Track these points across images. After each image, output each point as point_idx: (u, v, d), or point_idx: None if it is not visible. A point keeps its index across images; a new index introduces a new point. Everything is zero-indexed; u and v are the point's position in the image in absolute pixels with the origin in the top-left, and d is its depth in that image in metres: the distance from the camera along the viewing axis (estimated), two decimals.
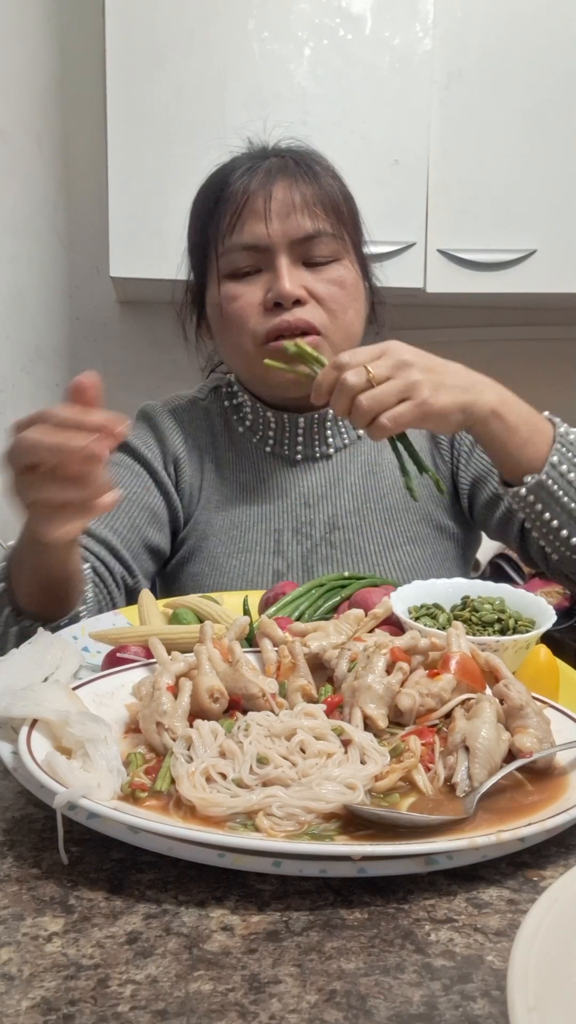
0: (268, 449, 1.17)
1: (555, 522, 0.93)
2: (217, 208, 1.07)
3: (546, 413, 0.97)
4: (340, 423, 1.16)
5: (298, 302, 1.04)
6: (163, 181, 1.79)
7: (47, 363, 2.20)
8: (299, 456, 1.16)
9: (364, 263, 1.14)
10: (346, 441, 1.17)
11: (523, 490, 0.93)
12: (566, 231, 1.87)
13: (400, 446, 0.95)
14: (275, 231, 1.04)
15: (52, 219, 2.14)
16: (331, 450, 1.16)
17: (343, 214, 1.08)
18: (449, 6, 1.80)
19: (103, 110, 1.80)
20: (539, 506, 0.93)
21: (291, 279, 1.03)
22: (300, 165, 1.07)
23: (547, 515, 0.93)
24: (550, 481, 0.92)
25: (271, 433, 1.16)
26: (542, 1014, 0.34)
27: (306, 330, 1.03)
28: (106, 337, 2.22)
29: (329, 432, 1.16)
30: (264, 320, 1.04)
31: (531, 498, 0.93)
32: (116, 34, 1.75)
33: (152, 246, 1.79)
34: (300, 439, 1.15)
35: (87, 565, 1.03)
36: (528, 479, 0.92)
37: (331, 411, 1.14)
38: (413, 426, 0.90)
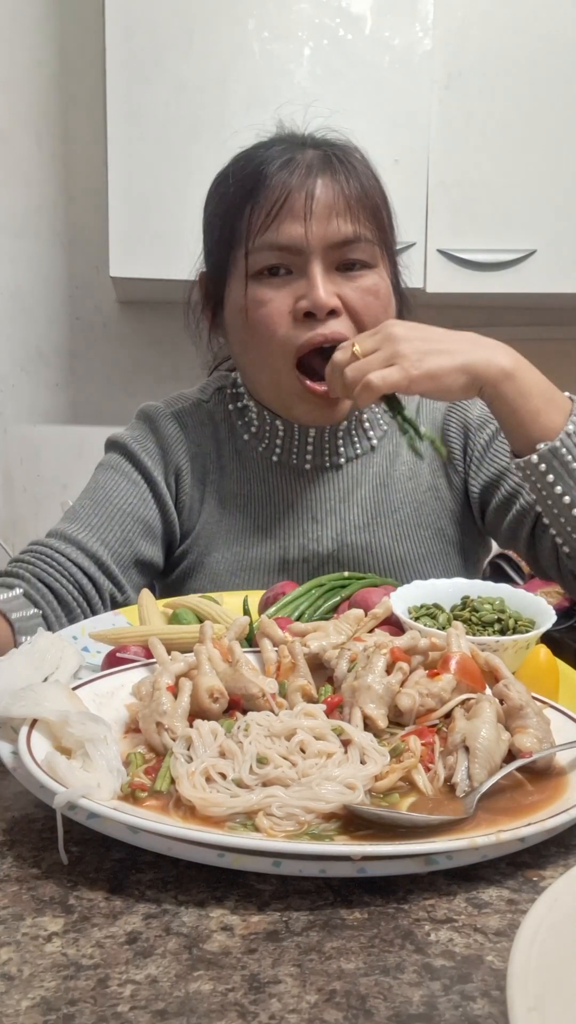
0: (275, 458, 1.11)
1: (567, 498, 0.89)
2: (250, 201, 0.99)
3: (567, 393, 0.93)
4: (352, 432, 1.11)
5: (331, 312, 0.97)
6: (163, 181, 1.79)
7: (47, 363, 2.20)
8: (308, 466, 1.10)
9: (396, 270, 1.08)
10: (358, 451, 1.11)
11: (535, 457, 0.89)
12: (566, 231, 1.87)
13: (395, 412, 0.95)
14: (314, 234, 0.97)
15: (52, 219, 2.15)
16: (342, 460, 1.10)
17: (383, 218, 1.03)
18: (449, 6, 1.80)
19: (103, 110, 1.80)
20: (550, 476, 0.89)
21: (326, 288, 0.97)
22: (343, 163, 1.00)
23: (559, 488, 0.89)
24: (564, 450, 0.88)
25: (278, 441, 1.10)
26: (542, 1014, 0.34)
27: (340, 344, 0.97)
28: (106, 337, 2.22)
29: (340, 441, 1.10)
30: (295, 331, 0.98)
31: (543, 467, 0.89)
32: (116, 34, 1.75)
33: (152, 246, 1.79)
34: (310, 447, 1.09)
35: (67, 581, 1.00)
36: (541, 446, 0.89)
37: (344, 423, 1.09)
38: (402, 389, 0.87)
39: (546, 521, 0.95)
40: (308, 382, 1.00)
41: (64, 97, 2.11)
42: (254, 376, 1.07)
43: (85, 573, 1.02)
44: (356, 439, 1.11)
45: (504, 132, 1.85)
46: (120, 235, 1.81)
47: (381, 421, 1.13)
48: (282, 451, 1.11)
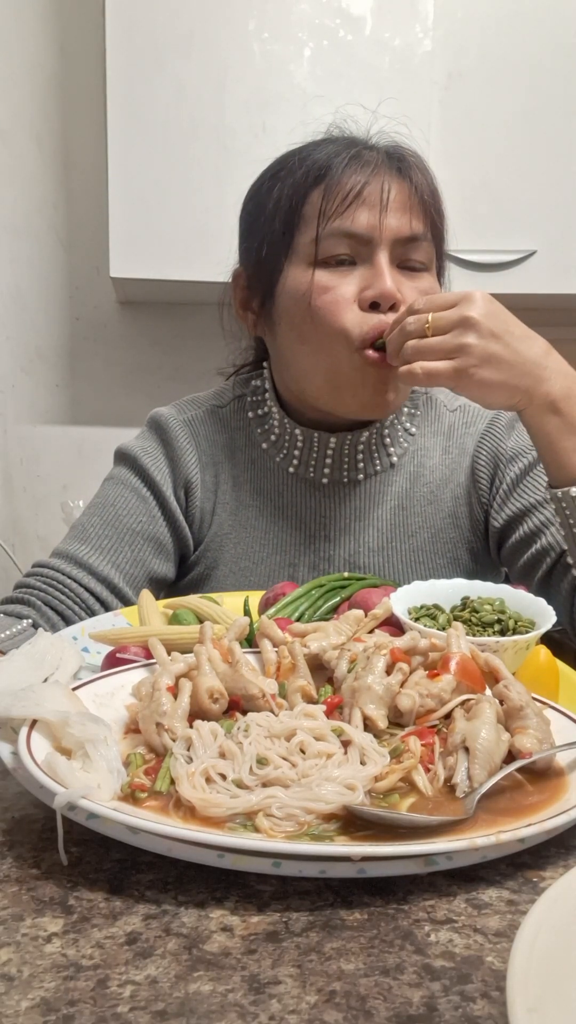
0: (291, 470, 1.08)
1: None
2: (319, 186, 0.97)
3: None
4: (373, 446, 1.07)
5: (393, 306, 0.96)
6: (163, 181, 1.79)
7: (47, 363, 2.20)
8: (325, 480, 1.07)
9: (441, 279, 1.07)
10: (377, 468, 1.08)
11: (573, 490, 0.86)
12: (566, 231, 1.87)
13: None
14: (387, 225, 0.96)
15: (52, 219, 2.15)
16: (360, 476, 1.07)
17: (443, 225, 1.04)
18: (449, 7, 1.80)
19: (103, 110, 1.81)
20: None
21: (393, 279, 0.96)
22: (417, 168, 1.01)
23: None
24: None
25: (297, 452, 1.07)
26: (542, 1015, 0.34)
27: None
28: (106, 337, 2.22)
29: (361, 456, 1.07)
30: (362, 319, 0.96)
31: None
32: (116, 34, 1.75)
33: (152, 246, 1.79)
34: (328, 460, 1.06)
35: (76, 602, 0.99)
36: None
37: (365, 434, 1.06)
38: (449, 388, 0.86)
39: (570, 560, 0.92)
40: (372, 351, 0.96)
41: (64, 97, 2.11)
42: (308, 366, 1.02)
43: (97, 598, 1.01)
44: (376, 454, 1.08)
45: (504, 132, 1.85)
46: (120, 235, 1.81)
47: (402, 439, 1.10)
48: (300, 462, 1.08)
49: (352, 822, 0.53)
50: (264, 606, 0.89)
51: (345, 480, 1.08)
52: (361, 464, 1.07)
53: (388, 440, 1.09)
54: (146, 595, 0.89)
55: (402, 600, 0.82)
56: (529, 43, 1.82)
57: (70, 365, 2.23)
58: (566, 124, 1.85)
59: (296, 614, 0.86)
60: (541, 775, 0.59)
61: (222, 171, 1.76)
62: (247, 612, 0.88)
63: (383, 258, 0.96)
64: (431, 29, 1.80)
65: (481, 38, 1.82)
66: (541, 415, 0.87)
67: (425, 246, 1.00)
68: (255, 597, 0.92)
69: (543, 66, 1.83)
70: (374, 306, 0.96)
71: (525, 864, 0.53)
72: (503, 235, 1.86)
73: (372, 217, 0.96)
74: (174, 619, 0.85)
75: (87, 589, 1.01)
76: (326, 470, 1.07)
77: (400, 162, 1.00)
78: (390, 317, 0.95)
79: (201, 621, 0.82)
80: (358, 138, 1.04)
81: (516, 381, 0.86)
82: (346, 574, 0.95)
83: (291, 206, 1.00)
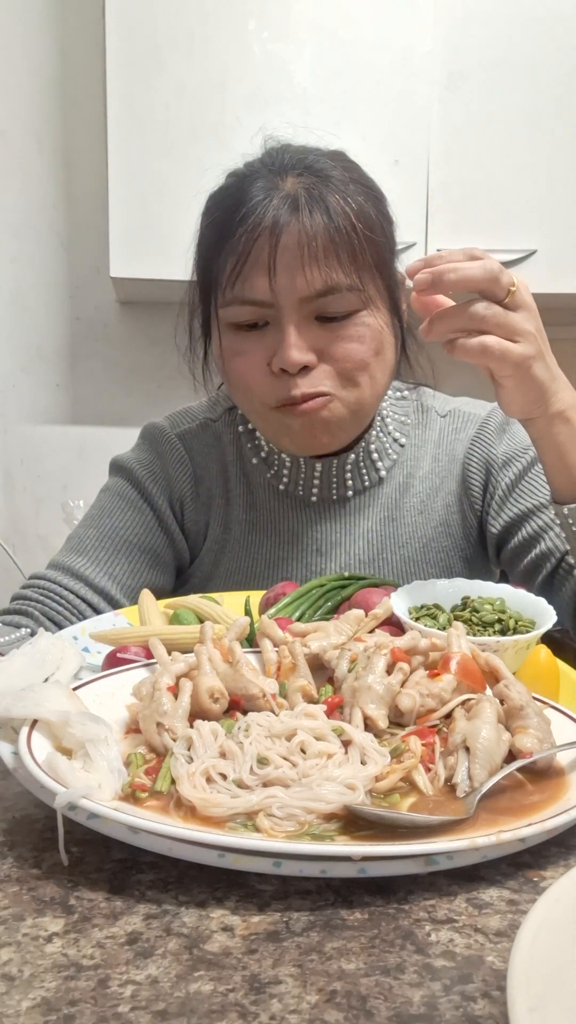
0: (281, 487, 1.07)
1: None
2: (221, 247, 0.93)
3: None
4: (360, 463, 1.06)
5: (305, 367, 0.91)
6: (163, 181, 1.79)
7: (47, 363, 2.21)
8: (314, 498, 1.07)
9: (394, 296, 0.97)
10: (366, 483, 1.07)
11: None
12: (566, 231, 1.87)
13: None
14: (281, 288, 0.89)
15: (52, 219, 2.15)
16: (349, 492, 1.07)
17: (364, 258, 0.91)
18: (449, 6, 1.80)
19: (103, 110, 1.81)
20: None
21: (298, 345, 0.90)
22: (316, 199, 0.89)
23: None
24: None
25: (285, 471, 1.07)
26: (542, 1014, 0.34)
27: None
28: (106, 337, 2.22)
29: (348, 474, 1.06)
30: (272, 387, 0.93)
31: None
32: (116, 34, 1.76)
33: (152, 246, 1.79)
34: (316, 481, 1.06)
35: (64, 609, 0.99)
36: None
37: (352, 456, 1.05)
38: (504, 372, 0.78)
39: (571, 560, 0.91)
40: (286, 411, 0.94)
41: (64, 97, 2.11)
42: (244, 412, 1.03)
43: (95, 609, 1.01)
44: (364, 470, 1.07)
45: (504, 132, 1.85)
46: (120, 235, 1.81)
47: (390, 451, 1.09)
48: (289, 481, 1.07)
49: (353, 822, 0.53)
50: (264, 606, 0.89)
51: (335, 498, 1.07)
52: (350, 482, 1.07)
53: (376, 456, 1.08)
54: (146, 595, 0.89)
55: (402, 600, 0.82)
56: (530, 42, 1.82)
57: (70, 365, 2.23)
58: (566, 124, 1.85)
59: (296, 614, 0.86)
60: (542, 775, 0.59)
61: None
62: (247, 612, 0.88)
63: (289, 321, 0.90)
64: (431, 28, 1.80)
65: (481, 38, 1.82)
66: (552, 424, 0.84)
67: (341, 295, 0.90)
68: (256, 597, 0.92)
69: (543, 65, 1.83)
70: (286, 371, 0.92)
71: (526, 864, 0.53)
72: (503, 235, 1.86)
73: (266, 281, 0.89)
74: (174, 619, 0.85)
75: (84, 601, 1.01)
76: (314, 490, 1.07)
77: (295, 204, 0.89)
78: (300, 387, 0.91)
79: (201, 621, 0.82)
80: (277, 162, 0.94)
81: (548, 385, 0.82)
82: (346, 574, 0.95)
83: (203, 267, 0.98)
